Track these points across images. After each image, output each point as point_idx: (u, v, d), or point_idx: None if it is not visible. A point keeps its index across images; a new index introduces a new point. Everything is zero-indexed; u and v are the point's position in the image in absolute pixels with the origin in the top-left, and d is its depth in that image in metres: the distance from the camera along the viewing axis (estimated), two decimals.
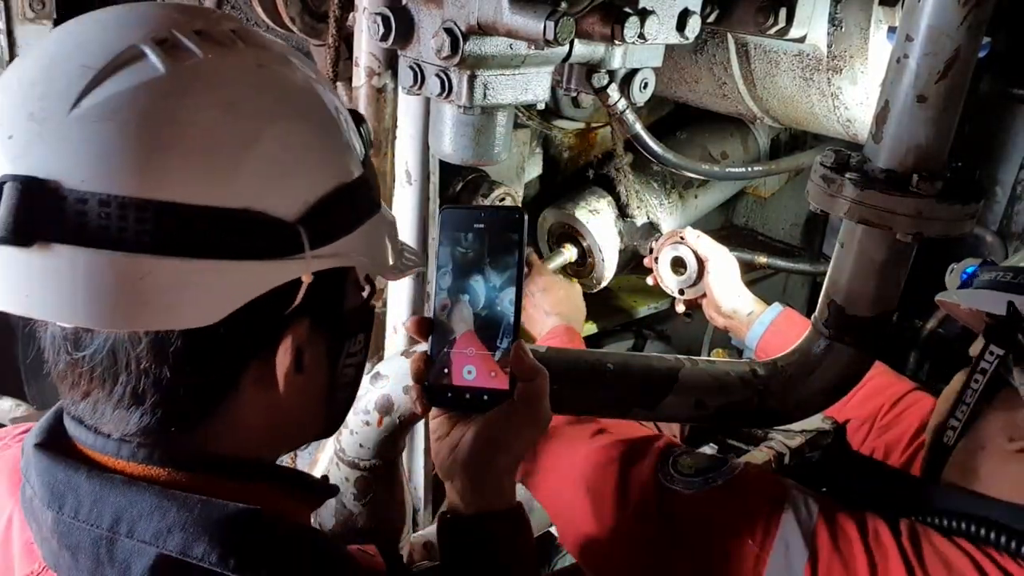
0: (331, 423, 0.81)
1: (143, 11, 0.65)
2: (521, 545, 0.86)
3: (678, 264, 1.67)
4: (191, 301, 0.59)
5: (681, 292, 1.66)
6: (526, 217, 0.85)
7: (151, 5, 0.67)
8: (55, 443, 0.68)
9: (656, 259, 1.70)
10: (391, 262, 0.77)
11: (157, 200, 0.57)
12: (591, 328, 2.01)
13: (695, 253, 1.62)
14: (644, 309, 2.10)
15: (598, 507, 1.05)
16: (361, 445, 0.98)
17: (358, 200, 0.70)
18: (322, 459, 1.40)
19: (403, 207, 1.20)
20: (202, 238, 0.59)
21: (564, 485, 1.11)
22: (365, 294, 0.75)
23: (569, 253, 1.89)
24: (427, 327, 0.86)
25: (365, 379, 1.00)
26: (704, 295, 1.64)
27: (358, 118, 0.76)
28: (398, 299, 1.24)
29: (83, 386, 0.64)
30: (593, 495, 1.06)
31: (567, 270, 1.92)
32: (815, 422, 1.49)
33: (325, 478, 0.92)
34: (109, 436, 0.65)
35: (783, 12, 1.29)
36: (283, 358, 0.67)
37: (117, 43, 0.60)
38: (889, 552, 0.92)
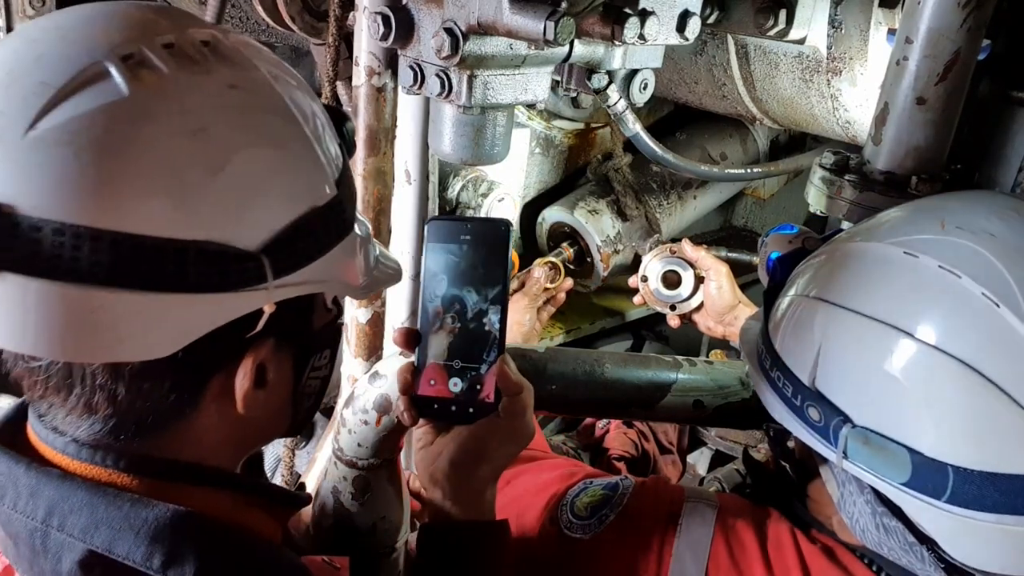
0: (294, 427, 0.80)
1: (108, 18, 0.61)
2: (495, 560, 0.86)
3: (670, 277, 1.60)
4: (144, 334, 0.58)
5: (672, 308, 1.59)
6: (512, 229, 0.85)
7: (117, 8, 0.63)
8: (8, 435, 0.68)
9: (644, 277, 1.62)
10: (361, 281, 0.74)
11: (113, 231, 0.55)
12: (590, 329, 2.01)
13: (691, 265, 1.57)
14: (642, 310, 2.10)
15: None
16: (359, 444, 0.98)
17: (328, 224, 0.67)
18: (320, 458, 1.40)
19: (402, 207, 1.20)
20: (159, 271, 0.57)
21: None
22: (334, 315, 0.74)
23: (568, 253, 1.89)
24: (414, 338, 0.85)
25: (364, 378, 1.00)
26: (696, 309, 1.58)
27: (340, 118, 0.73)
28: (397, 300, 1.24)
29: (39, 390, 0.63)
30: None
31: (566, 269, 1.92)
32: None
33: (301, 486, 0.89)
34: (63, 434, 0.65)
35: (783, 14, 1.29)
36: (242, 380, 0.66)
37: (79, 58, 0.57)
38: (787, 558, 0.88)
